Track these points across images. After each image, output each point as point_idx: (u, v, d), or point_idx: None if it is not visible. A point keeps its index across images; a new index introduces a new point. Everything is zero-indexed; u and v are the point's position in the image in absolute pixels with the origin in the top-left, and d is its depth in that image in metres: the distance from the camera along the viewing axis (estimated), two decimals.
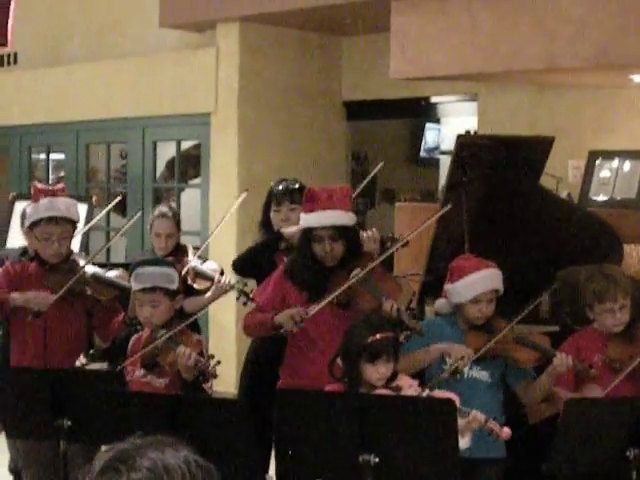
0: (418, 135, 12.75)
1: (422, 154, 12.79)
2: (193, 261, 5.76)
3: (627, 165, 7.66)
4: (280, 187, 5.48)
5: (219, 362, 4.24)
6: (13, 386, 4.28)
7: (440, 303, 4.69)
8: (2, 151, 11.15)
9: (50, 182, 10.17)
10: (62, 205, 4.93)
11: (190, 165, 10.20)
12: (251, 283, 5.42)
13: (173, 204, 6.67)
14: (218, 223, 6.19)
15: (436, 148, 12.48)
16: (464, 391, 4.20)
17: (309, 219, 4.66)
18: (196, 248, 6.19)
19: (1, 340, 5.52)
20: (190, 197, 9.62)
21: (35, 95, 10.35)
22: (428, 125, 12.56)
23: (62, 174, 10.86)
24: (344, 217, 4.64)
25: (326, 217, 4.61)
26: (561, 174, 7.58)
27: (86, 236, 7.91)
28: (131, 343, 4.51)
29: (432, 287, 5.35)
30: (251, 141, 8.89)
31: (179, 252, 5.84)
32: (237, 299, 5.43)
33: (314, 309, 4.48)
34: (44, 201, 4.90)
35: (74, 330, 4.95)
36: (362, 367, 3.99)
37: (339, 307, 4.57)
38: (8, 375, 4.57)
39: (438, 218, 5.22)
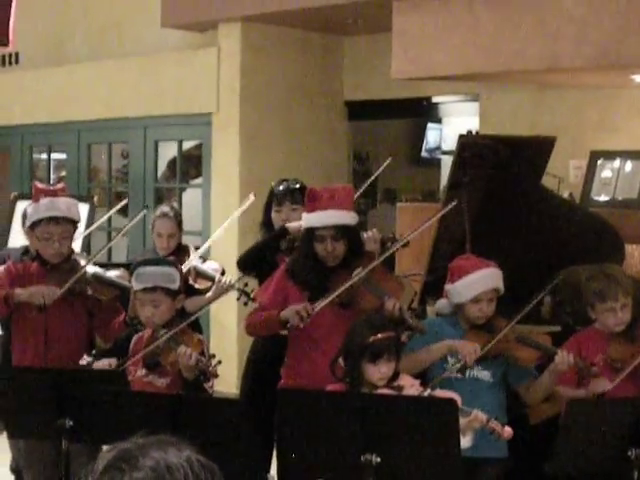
0: (419, 135, 12.75)
1: (423, 154, 12.80)
2: (194, 261, 5.76)
3: (628, 165, 7.66)
4: (281, 187, 5.48)
5: (220, 362, 4.24)
6: (15, 386, 4.28)
7: (441, 303, 4.69)
8: (4, 151, 11.15)
9: (51, 182, 10.17)
10: (63, 205, 4.93)
11: (191, 165, 10.21)
12: (252, 283, 5.43)
13: (175, 204, 6.67)
14: (222, 225, 6.20)
15: (437, 148, 12.48)
16: (466, 391, 4.20)
17: (311, 219, 4.66)
18: (197, 248, 6.19)
19: (2, 340, 5.53)
20: (191, 197, 9.62)
21: (37, 95, 10.35)
22: (429, 125, 12.56)
23: (63, 174, 10.86)
24: (346, 217, 4.64)
25: (328, 217, 4.61)
26: (562, 174, 7.58)
27: (88, 236, 7.91)
28: (133, 343, 4.51)
29: (433, 287, 5.35)
30: (253, 141, 8.90)
31: (181, 252, 5.85)
32: (238, 299, 5.43)
33: (320, 304, 4.49)
34: (45, 201, 4.91)
35: (75, 330, 4.95)
36: (364, 367, 3.99)
37: (341, 307, 4.57)
38: (10, 374, 4.57)
39: (439, 218, 5.22)
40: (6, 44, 8.11)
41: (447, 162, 10.27)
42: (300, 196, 5.30)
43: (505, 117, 8.45)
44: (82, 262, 5.02)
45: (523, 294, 4.59)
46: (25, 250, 5.34)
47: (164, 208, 6.02)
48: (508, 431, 3.97)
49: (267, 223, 5.51)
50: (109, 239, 9.74)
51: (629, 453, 3.84)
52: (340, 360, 4.12)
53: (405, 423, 3.62)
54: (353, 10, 8.15)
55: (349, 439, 3.63)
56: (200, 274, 5.72)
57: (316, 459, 3.80)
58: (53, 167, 11.12)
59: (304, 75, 9.25)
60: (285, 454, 3.84)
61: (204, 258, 5.98)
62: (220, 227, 6.28)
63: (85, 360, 4.60)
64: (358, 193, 5.74)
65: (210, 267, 5.81)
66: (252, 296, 5.35)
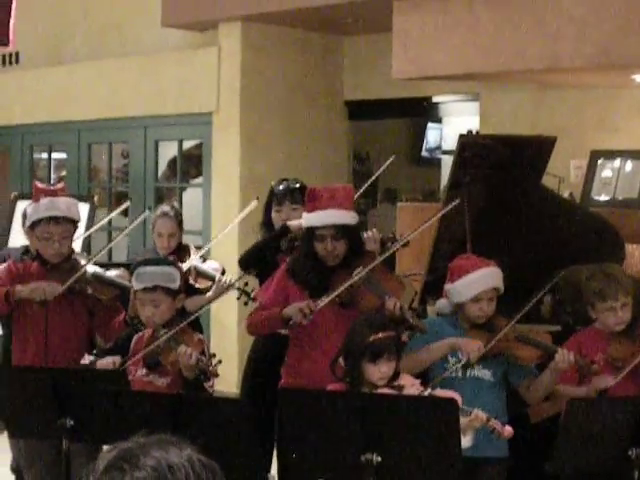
0: (420, 135, 12.75)
1: (424, 154, 12.80)
2: (194, 260, 5.76)
3: (629, 165, 7.66)
4: (281, 187, 5.48)
5: (220, 361, 4.24)
6: (16, 385, 4.28)
7: (441, 303, 4.69)
8: (4, 150, 11.15)
9: (52, 182, 10.17)
10: (62, 205, 4.93)
11: (192, 164, 10.21)
12: (252, 283, 5.43)
13: (175, 203, 6.67)
14: (223, 231, 6.20)
15: (438, 148, 12.48)
16: (467, 390, 4.21)
17: (311, 218, 4.66)
18: (198, 247, 6.19)
19: (3, 339, 5.53)
20: (192, 197, 9.62)
21: (37, 94, 10.35)
22: (430, 125, 12.56)
23: (64, 173, 10.86)
24: (346, 216, 4.64)
25: (328, 216, 4.61)
26: (563, 174, 7.57)
27: (88, 236, 7.91)
28: (133, 342, 4.52)
29: (434, 287, 5.35)
30: (253, 141, 8.90)
31: (181, 251, 5.85)
32: (238, 298, 5.43)
33: (322, 302, 4.49)
34: (44, 201, 4.91)
35: (75, 329, 4.95)
36: (364, 366, 3.99)
37: (341, 306, 4.58)
38: (11, 374, 4.57)
39: (440, 218, 5.22)
40: (6, 44, 8.10)
41: (447, 162, 10.26)
42: (300, 196, 5.30)
43: (505, 117, 8.45)
44: (82, 262, 5.02)
45: (524, 294, 4.59)
46: (25, 250, 5.33)
47: (165, 208, 6.02)
48: (508, 430, 3.97)
49: (267, 223, 5.51)
50: (109, 239, 9.75)
51: (630, 452, 3.84)
52: (340, 360, 4.12)
53: (405, 423, 3.62)
54: (353, 10, 8.15)
55: (349, 439, 3.63)
56: (200, 274, 5.72)
57: (316, 459, 3.80)
58: (53, 167, 11.12)
59: (304, 75, 9.25)
60: (285, 454, 3.84)
61: (204, 257, 5.99)
62: (222, 232, 6.29)
63: (88, 359, 4.60)
64: (360, 191, 5.74)
65: (210, 267, 5.81)
66: (252, 296, 5.35)
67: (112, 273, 5.10)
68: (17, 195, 8.42)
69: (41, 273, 4.92)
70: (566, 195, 7.41)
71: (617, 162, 7.68)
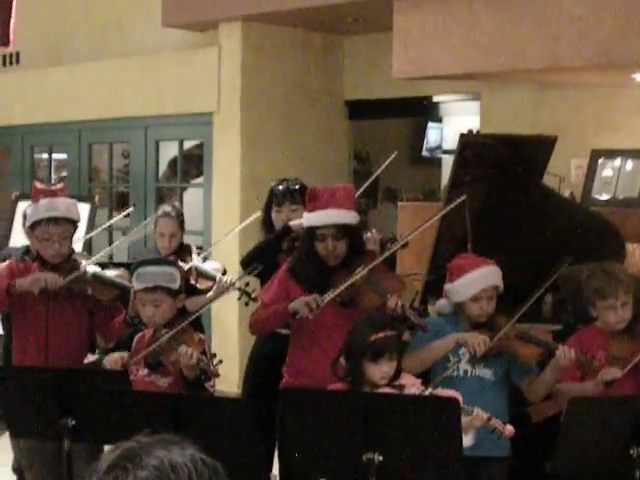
0: (420, 134, 12.76)
1: (424, 153, 12.81)
2: (195, 260, 5.77)
3: (629, 164, 7.66)
4: (280, 187, 5.47)
5: (221, 361, 4.24)
6: (17, 385, 4.28)
7: (441, 303, 4.69)
8: (4, 151, 11.16)
9: (52, 182, 10.18)
10: (62, 205, 4.93)
11: (192, 164, 10.21)
12: (252, 283, 5.43)
13: (177, 203, 6.67)
14: (225, 230, 6.22)
15: (438, 147, 12.49)
16: (468, 389, 4.21)
17: (312, 218, 4.67)
18: (199, 248, 6.20)
19: (3, 339, 5.53)
20: (192, 196, 9.62)
21: (37, 95, 10.35)
22: (430, 124, 12.57)
23: (64, 174, 10.86)
24: (347, 216, 4.64)
25: (329, 216, 4.61)
26: (563, 173, 7.58)
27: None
28: (134, 342, 4.52)
29: (435, 286, 5.35)
30: (253, 140, 8.90)
31: (183, 252, 5.85)
32: (239, 299, 5.43)
33: (329, 296, 4.49)
34: (44, 202, 4.91)
35: (75, 329, 4.96)
36: (365, 366, 3.99)
37: (342, 306, 4.58)
38: (12, 374, 4.57)
39: (441, 217, 5.23)
40: (7, 44, 8.10)
41: (448, 161, 10.27)
42: (300, 196, 5.30)
43: (506, 116, 8.45)
44: (83, 262, 5.02)
45: (525, 293, 4.59)
46: (26, 250, 5.34)
47: (166, 208, 6.01)
48: (509, 429, 3.98)
49: (267, 223, 5.51)
50: (110, 239, 9.76)
51: (631, 452, 3.84)
52: (342, 359, 4.12)
53: (407, 422, 3.62)
54: (354, 9, 8.15)
55: (351, 438, 3.63)
56: (201, 274, 5.73)
57: (318, 458, 3.80)
58: (54, 167, 11.12)
59: (305, 74, 9.25)
60: (287, 453, 3.84)
61: (205, 257, 5.99)
62: (223, 236, 6.30)
63: (92, 358, 4.60)
64: (361, 189, 5.74)
65: (211, 267, 5.81)
66: (253, 296, 5.35)
67: (112, 273, 5.10)
68: (18, 195, 8.42)
69: None
70: (567, 194, 7.41)
71: (617, 161, 7.69)
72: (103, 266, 5.24)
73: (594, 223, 6.13)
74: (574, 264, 4.83)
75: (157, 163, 9.71)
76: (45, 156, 11.15)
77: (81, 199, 6.97)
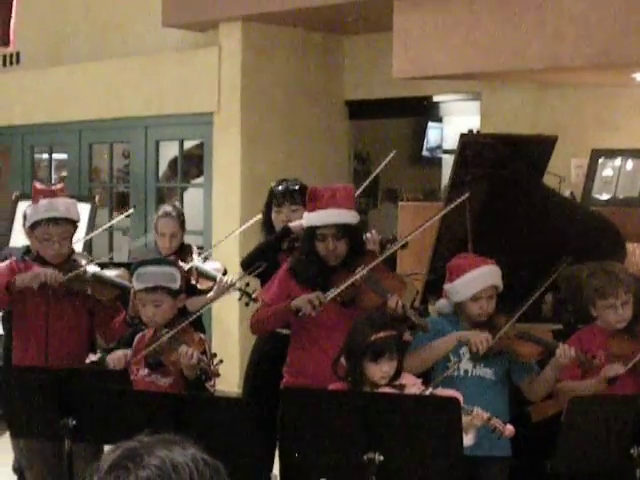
0: (420, 134, 12.76)
1: (424, 153, 12.81)
2: (196, 260, 5.76)
3: (629, 164, 7.66)
4: (280, 188, 5.47)
5: (221, 361, 4.24)
6: (18, 385, 4.28)
7: (441, 303, 4.70)
8: (4, 151, 11.16)
9: (53, 182, 10.17)
10: (62, 206, 4.93)
11: (193, 164, 10.21)
12: (253, 283, 5.43)
13: (177, 203, 6.66)
14: (225, 231, 6.22)
15: (438, 147, 12.49)
16: (468, 389, 4.21)
17: (312, 218, 4.67)
18: (200, 248, 6.19)
19: (4, 339, 5.53)
20: (193, 196, 9.63)
21: (37, 95, 10.35)
22: (430, 124, 12.56)
23: (65, 174, 10.86)
24: (347, 215, 4.64)
25: (329, 216, 4.61)
26: (564, 173, 7.58)
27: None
28: (135, 342, 4.52)
29: (435, 286, 5.36)
30: (254, 140, 8.90)
31: (183, 252, 5.84)
32: (239, 299, 5.43)
33: (331, 294, 4.49)
34: (43, 202, 4.91)
35: (75, 329, 4.96)
36: (365, 366, 3.99)
37: (342, 305, 4.58)
38: (13, 374, 4.57)
39: (441, 217, 5.23)
40: (7, 44, 8.11)
41: (448, 161, 10.27)
42: (300, 197, 5.30)
43: (506, 116, 8.45)
44: (83, 262, 5.03)
45: (525, 293, 4.59)
46: (27, 250, 5.34)
47: (167, 208, 6.00)
48: (510, 429, 3.98)
49: (267, 223, 5.50)
50: (110, 239, 9.77)
51: (632, 451, 3.84)
52: (342, 359, 4.12)
53: (407, 422, 3.62)
54: (354, 9, 8.16)
55: (351, 438, 3.63)
56: (202, 274, 5.72)
57: (318, 458, 3.80)
58: (54, 167, 11.12)
59: (305, 74, 9.25)
60: (288, 453, 3.85)
61: (206, 257, 5.98)
62: (223, 237, 6.31)
63: (94, 357, 4.59)
64: (361, 188, 5.74)
65: (212, 267, 5.81)
66: (253, 296, 5.35)
67: (112, 273, 5.10)
68: (18, 195, 8.42)
69: None
70: (567, 194, 7.41)
71: (618, 161, 7.69)
72: (103, 266, 5.25)
73: (594, 223, 6.13)
74: (574, 264, 4.83)
75: (157, 163, 9.71)
76: (45, 156, 11.15)
77: (81, 199, 6.96)
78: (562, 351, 4.31)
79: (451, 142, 10.69)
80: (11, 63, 11.05)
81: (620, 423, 3.88)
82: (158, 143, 9.65)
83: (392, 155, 5.97)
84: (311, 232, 4.67)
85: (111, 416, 3.89)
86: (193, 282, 5.62)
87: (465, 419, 3.75)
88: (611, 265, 4.62)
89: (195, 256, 5.82)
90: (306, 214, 4.73)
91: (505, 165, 5.71)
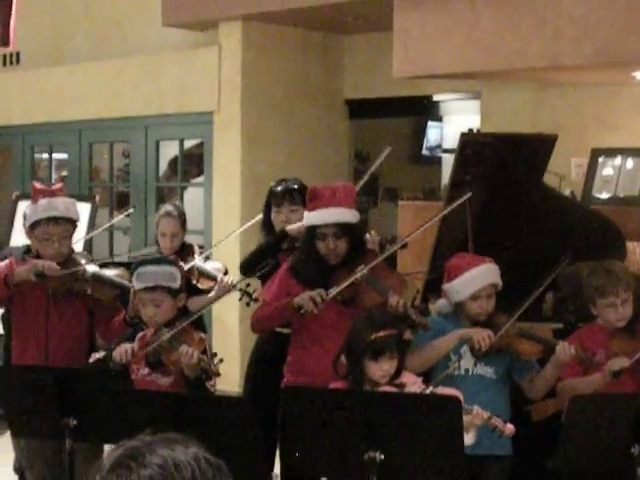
0: (420, 133, 12.76)
1: (424, 152, 12.81)
2: (196, 260, 5.76)
3: (630, 163, 7.66)
4: (279, 188, 5.46)
5: (222, 360, 4.25)
6: (18, 385, 4.29)
7: (440, 303, 4.70)
8: (5, 151, 11.15)
9: (53, 182, 10.17)
10: (61, 205, 4.94)
11: (193, 164, 10.20)
12: (254, 284, 5.42)
13: (178, 203, 6.66)
14: (225, 231, 6.22)
15: (438, 146, 12.49)
16: (469, 388, 4.21)
17: (312, 217, 4.66)
18: (200, 247, 6.19)
19: (4, 339, 5.53)
20: (193, 196, 9.62)
21: (37, 94, 10.35)
22: (430, 123, 12.57)
23: (65, 173, 10.86)
24: (347, 214, 4.64)
25: (329, 215, 4.61)
26: (564, 172, 7.58)
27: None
28: (136, 341, 4.52)
29: (436, 285, 5.36)
30: (254, 140, 8.90)
31: (184, 251, 5.83)
32: (240, 299, 5.43)
33: (334, 291, 4.49)
34: (43, 202, 4.91)
35: (75, 329, 4.96)
36: (366, 364, 3.99)
37: (343, 304, 4.58)
38: (14, 374, 4.57)
39: (442, 217, 5.23)
40: (7, 44, 8.11)
41: (448, 160, 10.28)
42: (299, 197, 5.29)
43: (506, 115, 8.45)
44: (82, 261, 5.03)
45: (525, 292, 4.59)
46: (27, 249, 5.34)
47: (168, 207, 5.99)
48: (510, 428, 3.98)
49: (267, 224, 5.50)
50: (110, 239, 9.77)
51: (632, 450, 3.84)
52: (342, 358, 4.12)
53: (408, 421, 3.62)
54: (354, 9, 8.16)
55: (352, 437, 3.63)
56: (202, 274, 5.72)
57: (319, 457, 3.80)
58: (54, 167, 11.12)
59: (305, 74, 9.26)
60: (288, 452, 3.85)
61: (207, 257, 5.98)
62: (224, 237, 6.30)
63: (99, 355, 4.59)
64: (359, 185, 5.72)
65: (212, 267, 5.80)
66: (254, 296, 5.35)
67: (112, 273, 5.10)
68: (19, 195, 8.42)
69: None
70: (567, 193, 7.42)
71: (618, 160, 7.69)
72: (103, 266, 5.25)
73: (594, 222, 6.13)
74: (574, 262, 4.83)
75: (157, 163, 9.71)
76: (45, 156, 11.15)
77: (82, 199, 6.97)
78: (562, 348, 4.32)
79: (451, 141, 10.69)
80: (11, 63, 11.05)
81: (620, 422, 3.89)
82: (158, 143, 9.65)
83: (387, 152, 5.92)
84: (311, 231, 4.66)
85: (112, 415, 3.89)
86: (194, 282, 5.62)
87: (466, 418, 3.75)
88: (611, 264, 4.62)
89: (196, 256, 5.82)
90: (306, 213, 4.73)
91: (505, 164, 5.71)
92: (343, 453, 3.70)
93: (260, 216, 5.67)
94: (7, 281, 4.82)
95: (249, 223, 6.07)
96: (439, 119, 11.86)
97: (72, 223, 5.00)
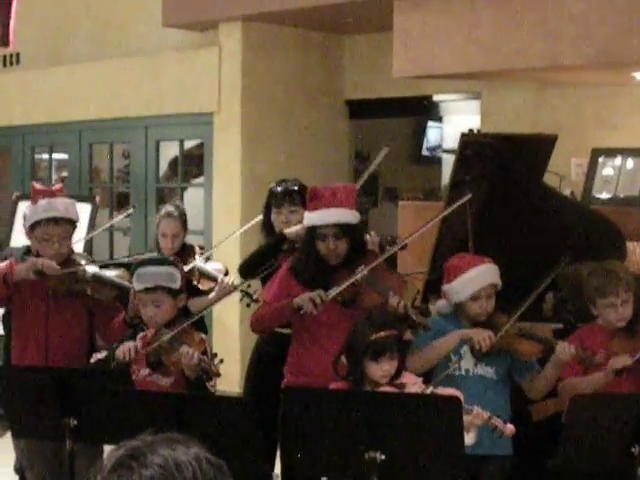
0: (420, 134, 12.76)
1: (424, 153, 12.80)
2: (197, 261, 5.76)
3: (630, 163, 7.66)
4: (279, 189, 5.46)
5: (222, 360, 4.25)
6: (19, 385, 4.29)
7: (440, 304, 4.70)
8: (5, 151, 11.15)
9: (53, 182, 10.17)
10: (61, 205, 4.94)
11: (193, 164, 10.20)
12: (254, 284, 5.43)
13: (179, 203, 6.65)
14: (226, 232, 6.21)
15: (438, 147, 12.48)
16: (469, 388, 4.21)
17: (313, 217, 4.66)
18: (201, 248, 6.19)
19: (4, 339, 5.53)
20: (193, 196, 9.62)
21: (37, 95, 10.35)
22: (430, 123, 12.56)
23: (65, 174, 10.86)
24: (348, 215, 4.64)
25: (330, 215, 4.61)
26: (564, 172, 7.58)
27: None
28: (137, 340, 4.52)
29: (436, 285, 5.36)
30: (254, 140, 8.90)
31: (185, 252, 5.82)
32: (240, 300, 5.43)
33: (333, 292, 4.49)
34: (43, 202, 4.92)
35: (75, 330, 4.96)
36: (366, 365, 4.00)
37: (343, 305, 4.58)
38: (15, 374, 4.57)
39: (442, 218, 5.23)
40: (7, 44, 8.12)
41: (448, 160, 10.27)
42: (299, 197, 5.30)
43: (506, 115, 8.45)
44: (82, 262, 5.03)
45: (526, 293, 4.60)
46: (27, 250, 5.34)
47: (169, 208, 5.99)
48: (510, 428, 3.98)
49: (267, 224, 5.50)
50: (111, 239, 9.77)
51: (633, 449, 3.84)
52: (343, 358, 4.12)
53: (409, 421, 3.62)
54: (354, 9, 8.15)
55: (353, 437, 3.63)
56: (203, 274, 5.72)
57: (320, 457, 3.80)
58: (54, 167, 11.11)
59: (305, 74, 9.26)
60: (289, 453, 3.85)
61: (208, 258, 5.98)
62: (224, 237, 6.30)
63: (101, 355, 4.58)
64: (359, 184, 5.72)
65: (213, 267, 5.81)
66: (255, 297, 5.35)
67: (112, 273, 5.10)
68: (19, 195, 8.42)
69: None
70: (567, 193, 7.41)
71: (618, 160, 7.69)
72: (103, 266, 5.25)
73: (595, 222, 6.14)
74: (574, 262, 4.83)
75: (157, 163, 9.70)
76: (45, 156, 11.14)
77: (82, 199, 6.97)
78: (562, 348, 4.32)
79: (451, 141, 10.69)
80: (11, 63, 11.05)
81: (621, 422, 3.89)
82: (158, 143, 9.65)
83: (385, 152, 5.92)
84: (312, 231, 4.66)
85: (112, 416, 3.89)
86: (195, 283, 5.62)
87: (466, 418, 3.76)
88: (611, 264, 4.63)
89: (197, 256, 5.82)
90: (307, 213, 4.73)
91: (505, 164, 5.71)
92: (343, 453, 3.70)
93: (260, 217, 5.67)
94: (6, 280, 4.82)
95: (249, 224, 6.07)
96: (439, 119, 11.85)
97: (72, 224, 5.00)
